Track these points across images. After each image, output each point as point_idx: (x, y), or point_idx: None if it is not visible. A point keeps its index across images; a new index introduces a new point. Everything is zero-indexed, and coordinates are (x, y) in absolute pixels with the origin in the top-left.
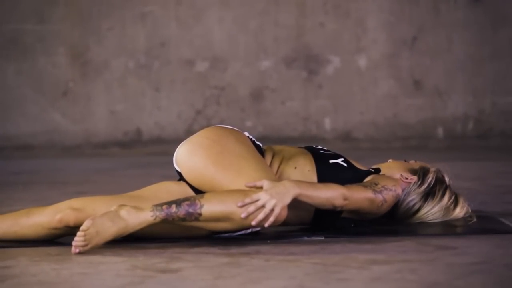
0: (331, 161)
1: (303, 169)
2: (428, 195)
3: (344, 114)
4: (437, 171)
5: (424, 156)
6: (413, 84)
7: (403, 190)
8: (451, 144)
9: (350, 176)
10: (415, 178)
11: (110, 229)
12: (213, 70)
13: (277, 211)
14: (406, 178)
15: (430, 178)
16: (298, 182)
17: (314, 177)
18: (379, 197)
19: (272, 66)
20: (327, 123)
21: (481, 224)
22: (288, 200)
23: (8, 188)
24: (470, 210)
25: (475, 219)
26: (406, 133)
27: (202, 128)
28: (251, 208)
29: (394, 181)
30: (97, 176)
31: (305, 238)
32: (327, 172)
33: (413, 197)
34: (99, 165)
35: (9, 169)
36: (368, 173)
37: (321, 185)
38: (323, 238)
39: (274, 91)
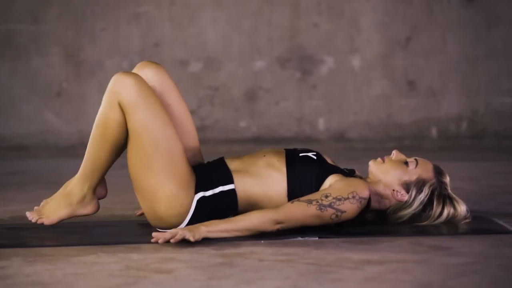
0: (301, 154)
1: (272, 159)
2: (419, 214)
3: (338, 115)
4: (435, 186)
5: (418, 157)
6: (407, 84)
7: (383, 198)
8: (445, 144)
9: (317, 169)
10: (406, 196)
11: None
12: (207, 70)
13: (190, 237)
14: (398, 193)
15: (422, 197)
16: (209, 222)
17: (283, 168)
18: (328, 210)
19: (266, 66)
20: (321, 124)
21: (475, 224)
22: (198, 235)
23: (1, 188)
24: (468, 215)
25: (469, 219)
26: (400, 133)
27: (196, 128)
28: (167, 235)
29: (355, 184)
30: None
31: (299, 238)
32: (296, 164)
33: (401, 215)
34: None
35: (2, 169)
36: (334, 169)
37: (239, 217)
38: (317, 238)
39: (268, 91)
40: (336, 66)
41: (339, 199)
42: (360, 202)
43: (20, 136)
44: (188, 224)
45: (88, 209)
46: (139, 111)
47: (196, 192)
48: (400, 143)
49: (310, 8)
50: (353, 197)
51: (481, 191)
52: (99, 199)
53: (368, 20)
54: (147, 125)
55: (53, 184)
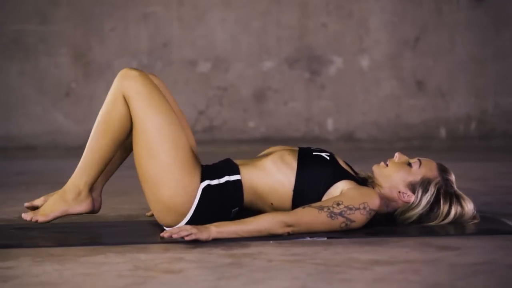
0: (314, 153)
1: (284, 153)
2: (427, 213)
3: (347, 115)
4: (441, 184)
5: (426, 157)
6: (416, 84)
7: (390, 201)
8: (454, 144)
9: (328, 170)
10: (413, 197)
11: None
12: (215, 70)
13: (197, 237)
14: (404, 195)
15: (428, 196)
16: (219, 223)
17: (294, 163)
18: (339, 219)
19: (274, 66)
20: (330, 124)
21: (484, 225)
22: (204, 236)
23: (11, 188)
24: (475, 213)
25: (478, 220)
26: (408, 133)
27: (204, 128)
28: (175, 232)
29: (367, 195)
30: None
31: (308, 238)
32: (308, 161)
33: (409, 215)
34: None
35: (11, 169)
36: (347, 175)
37: (250, 218)
38: (325, 238)
39: (276, 91)
40: (344, 66)
41: (350, 208)
42: (370, 213)
43: (29, 136)
44: (194, 214)
45: (83, 206)
46: (143, 97)
47: (202, 180)
48: (408, 143)
49: (318, 8)
50: (364, 208)
51: (490, 192)
52: (90, 212)
53: (377, 21)
54: (150, 111)
55: (62, 184)
